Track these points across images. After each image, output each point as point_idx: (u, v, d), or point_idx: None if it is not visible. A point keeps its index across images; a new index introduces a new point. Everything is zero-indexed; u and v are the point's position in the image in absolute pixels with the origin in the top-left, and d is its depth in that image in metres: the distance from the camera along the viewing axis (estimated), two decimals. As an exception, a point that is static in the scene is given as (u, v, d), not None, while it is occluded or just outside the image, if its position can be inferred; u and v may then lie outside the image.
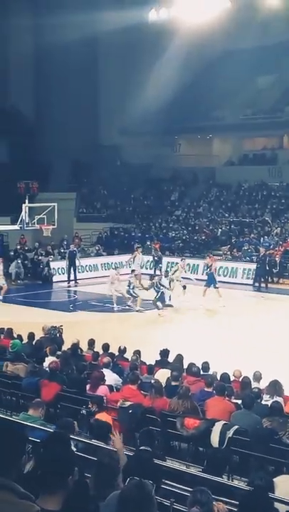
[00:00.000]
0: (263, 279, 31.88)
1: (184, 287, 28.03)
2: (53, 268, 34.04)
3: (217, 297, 27.17)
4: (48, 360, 13.35)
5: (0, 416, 9.09)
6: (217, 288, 27.54)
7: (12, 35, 46.76)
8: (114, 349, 15.48)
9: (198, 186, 46.86)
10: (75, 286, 32.32)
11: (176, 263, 30.66)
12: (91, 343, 16.07)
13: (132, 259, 32.10)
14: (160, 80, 42.52)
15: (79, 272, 33.37)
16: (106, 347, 15.40)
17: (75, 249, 33.94)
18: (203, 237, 39.51)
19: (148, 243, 38.30)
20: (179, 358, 14.37)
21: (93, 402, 10.42)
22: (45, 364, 13.16)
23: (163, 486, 6.43)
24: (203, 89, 46.65)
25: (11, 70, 47.93)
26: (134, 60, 46.28)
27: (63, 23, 39.38)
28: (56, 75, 45.37)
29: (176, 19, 38.53)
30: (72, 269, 32.86)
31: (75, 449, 6.76)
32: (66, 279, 33.09)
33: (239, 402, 11.07)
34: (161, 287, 26.49)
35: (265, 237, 36.77)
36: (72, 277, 32.88)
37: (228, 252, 36.49)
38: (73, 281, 32.73)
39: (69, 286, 32.47)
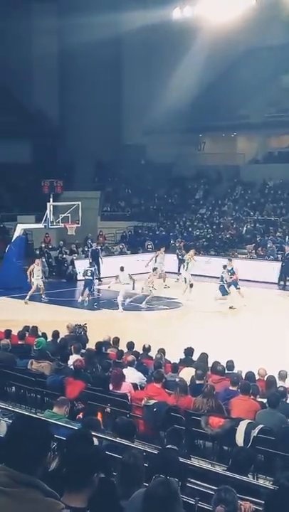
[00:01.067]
0: (288, 278, 31.75)
1: (191, 286, 28.09)
2: (78, 266, 34.14)
3: (239, 297, 27.10)
4: (73, 358, 13.39)
5: (25, 413, 9.11)
6: (238, 289, 27.43)
7: (35, 37, 47.00)
8: (138, 347, 15.48)
9: (222, 184, 46.74)
10: (99, 284, 32.38)
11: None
12: (116, 341, 16.09)
13: (154, 258, 32.10)
14: (184, 78, 42.40)
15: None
16: (131, 345, 15.42)
17: (98, 247, 34.01)
18: (228, 236, 39.42)
19: (171, 242, 38.36)
20: (204, 356, 14.33)
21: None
22: (70, 362, 13.19)
23: (188, 485, 6.41)
24: (227, 88, 46.43)
25: (34, 72, 48.24)
26: (158, 59, 46.31)
27: (86, 24, 39.49)
28: (80, 75, 45.50)
29: (200, 17, 38.43)
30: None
31: (100, 447, 6.78)
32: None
33: (264, 401, 11.02)
34: (89, 276, 27.43)
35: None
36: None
37: (253, 251, 36.35)
38: (97, 280, 32.78)
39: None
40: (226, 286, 27.23)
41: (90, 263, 29.35)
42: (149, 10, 40.19)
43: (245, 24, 39.33)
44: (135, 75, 48.12)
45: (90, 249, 34.24)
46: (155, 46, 46.33)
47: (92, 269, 27.85)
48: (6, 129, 44.31)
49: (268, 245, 35.76)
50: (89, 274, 27.51)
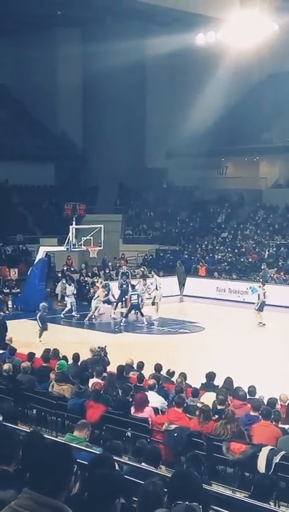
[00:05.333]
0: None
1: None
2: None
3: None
4: (93, 381, 13.37)
5: (48, 437, 9.09)
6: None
7: (61, 62, 47.59)
8: (152, 370, 15.41)
9: (244, 208, 46.69)
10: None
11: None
12: (140, 365, 15.96)
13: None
14: (207, 102, 42.64)
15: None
16: (158, 368, 15.37)
17: (127, 270, 33.79)
18: (250, 260, 39.32)
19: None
20: (229, 381, 14.22)
21: None
22: (90, 385, 13.17)
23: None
24: (250, 112, 46.64)
25: (59, 96, 48.74)
26: (181, 84, 46.66)
27: (110, 49, 39.94)
28: (104, 99, 45.89)
29: (223, 42, 38.61)
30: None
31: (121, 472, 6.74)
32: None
33: (286, 427, 10.93)
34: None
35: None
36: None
37: (275, 275, 36.19)
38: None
39: (122, 307, 32.06)
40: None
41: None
42: (172, 35, 40.46)
43: (268, 49, 39.49)
44: (158, 100, 48.46)
45: (119, 272, 33.58)
46: (178, 71, 46.69)
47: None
48: (30, 152, 44.82)
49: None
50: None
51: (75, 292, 30.78)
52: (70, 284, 31.45)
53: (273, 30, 36.92)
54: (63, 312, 29.73)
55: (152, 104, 48.94)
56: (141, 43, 42.30)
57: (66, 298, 30.16)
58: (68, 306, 29.82)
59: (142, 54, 43.46)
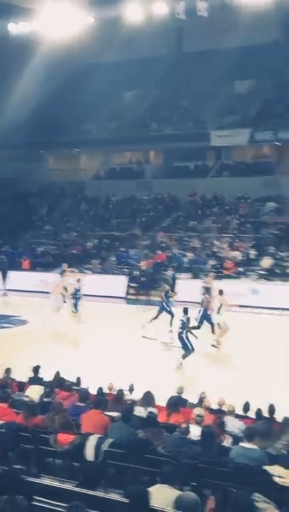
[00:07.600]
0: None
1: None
2: None
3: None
4: None
5: None
6: None
7: None
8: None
9: (66, 200, 46.71)
10: None
11: None
12: None
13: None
14: (24, 93, 42.05)
15: None
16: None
17: None
18: (74, 252, 39.40)
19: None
20: (57, 374, 14.20)
21: None
22: None
23: (38, 504, 6.28)
24: (68, 104, 46.62)
25: None
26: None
27: None
28: None
29: (38, 33, 38.28)
30: None
31: None
32: None
33: (113, 414, 11.05)
34: None
35: (135, 249, 37.18)
36: None
37: (99, 266, 36.58)
38: None
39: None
40: None
41: None
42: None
43: (86, 40, 39.66)
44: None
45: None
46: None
47: None
48: None
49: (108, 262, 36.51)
50: None
51: None
52: None
53: (88, 22, 37.16)
54: None
55: None
56: None
57: None
58: None
59: None
